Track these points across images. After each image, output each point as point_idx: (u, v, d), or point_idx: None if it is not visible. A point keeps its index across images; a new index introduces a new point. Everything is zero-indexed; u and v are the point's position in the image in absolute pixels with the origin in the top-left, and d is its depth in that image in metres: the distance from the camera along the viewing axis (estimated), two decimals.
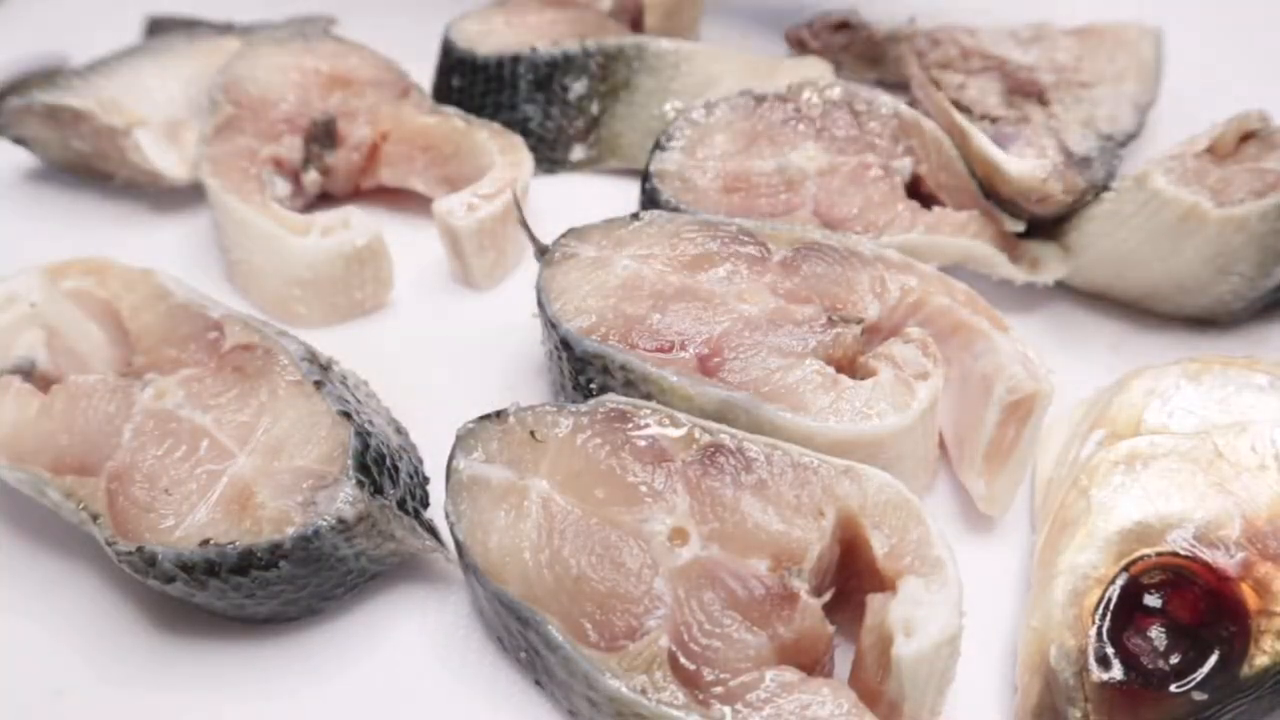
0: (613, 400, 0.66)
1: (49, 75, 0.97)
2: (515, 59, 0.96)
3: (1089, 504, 0.67)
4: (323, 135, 0.93)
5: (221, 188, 0.86)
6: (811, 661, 0.59)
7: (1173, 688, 0.59)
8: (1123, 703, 0.59)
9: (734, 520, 0.61)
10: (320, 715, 0.64)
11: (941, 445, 0.75)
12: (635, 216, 0.79)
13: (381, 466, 0.68)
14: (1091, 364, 0.82)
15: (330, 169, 0.94)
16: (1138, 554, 0.63)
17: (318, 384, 0.70)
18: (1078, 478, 0.69)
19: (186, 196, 0.96)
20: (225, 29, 1.07)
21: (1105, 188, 0.81)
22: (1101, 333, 0.85)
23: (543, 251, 0.76)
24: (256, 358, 0.72)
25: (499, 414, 0.67)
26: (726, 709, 0.56)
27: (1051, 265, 0.84)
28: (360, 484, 0.65)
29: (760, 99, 0.88)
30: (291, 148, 0.92)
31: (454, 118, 0.93)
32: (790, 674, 0.57)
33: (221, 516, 0.64)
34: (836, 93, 0.88)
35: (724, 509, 0.61)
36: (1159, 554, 0.63)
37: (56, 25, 1.20)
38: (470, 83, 0.98)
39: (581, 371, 0.71)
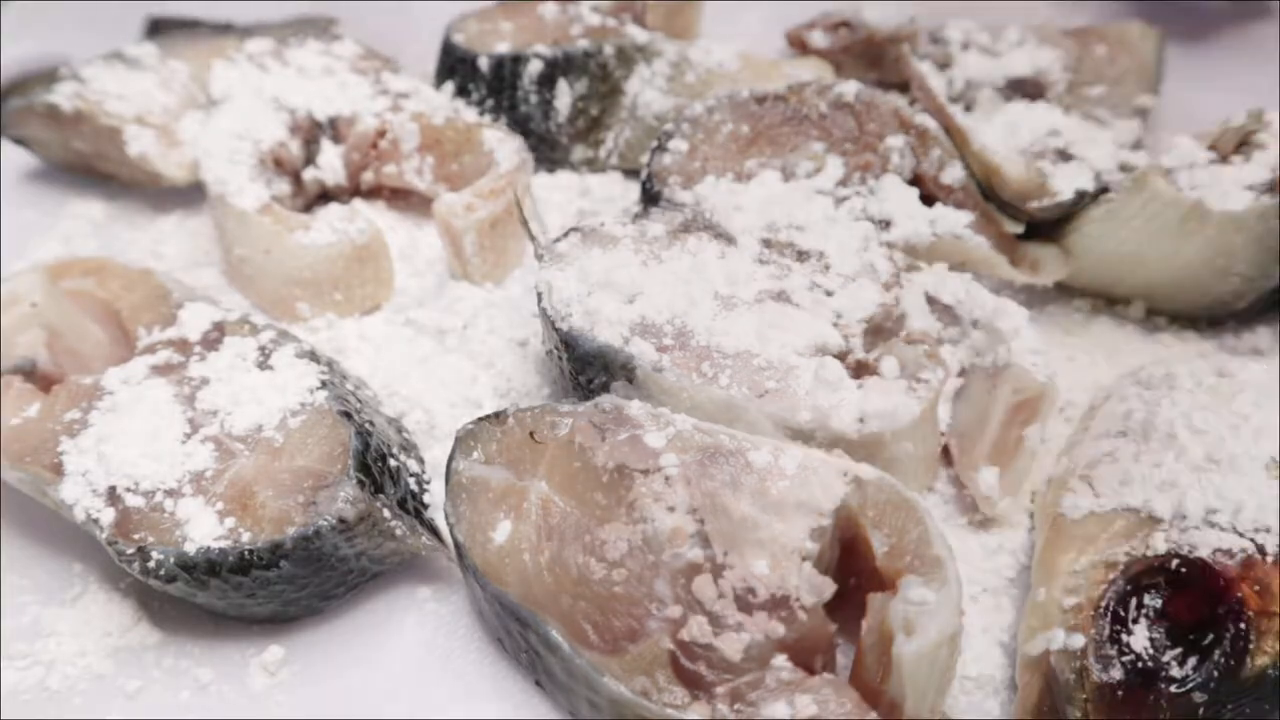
0: (612, 400, 0.66)
1: (49, 75, 0.97)
2: (515, 59, 0.96)
3: (1089, 504, 0.66)
4: (324, 134, 0.93)
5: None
6: (812, 660, 0.59)
7: (1173, 688, 0.59)
8: (1123, 702, 0.59)
9: (734, 520, 0.61)
10: (320, 715, 0.64)
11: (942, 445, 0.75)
12: (636, 216, 0.79)
13: (382, 466, 0.68)
14: (1091, 364, 0.82)
15: (330, 167, 0.94)
16: (1138, 554, 0.63)
17: (318, 384, 0.70)
18: (1078, 477, 0.69)
19: (186, 196, 0.96)
20: (225, 29, 1.07)
21: (1105, 188, 0.81)
22: (1102, 333, 0.85)
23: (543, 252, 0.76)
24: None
25: (498, 415, 0.67)
26: (727, 709, 0.56)
27: (1051, 267, 0.83)
28: (361, 484, 0.65)
29: (760, 99, 0.88)
30: (291, 147, 0.92)
31: (456, 117, 0.93)
32: (791, 673, 0.57)
33: (223, 516, 0.64)
34: (836, 93, 0.88)
35: (723, 509, 0.61)
36: (1159, 554, 0.62)
37: (56, 25, 1.20)
38: (470, 83, 0.98)
39: (581, 371, 0.71)
